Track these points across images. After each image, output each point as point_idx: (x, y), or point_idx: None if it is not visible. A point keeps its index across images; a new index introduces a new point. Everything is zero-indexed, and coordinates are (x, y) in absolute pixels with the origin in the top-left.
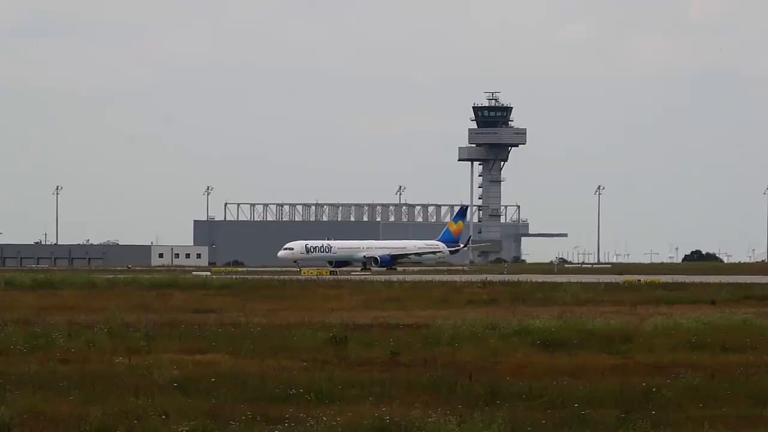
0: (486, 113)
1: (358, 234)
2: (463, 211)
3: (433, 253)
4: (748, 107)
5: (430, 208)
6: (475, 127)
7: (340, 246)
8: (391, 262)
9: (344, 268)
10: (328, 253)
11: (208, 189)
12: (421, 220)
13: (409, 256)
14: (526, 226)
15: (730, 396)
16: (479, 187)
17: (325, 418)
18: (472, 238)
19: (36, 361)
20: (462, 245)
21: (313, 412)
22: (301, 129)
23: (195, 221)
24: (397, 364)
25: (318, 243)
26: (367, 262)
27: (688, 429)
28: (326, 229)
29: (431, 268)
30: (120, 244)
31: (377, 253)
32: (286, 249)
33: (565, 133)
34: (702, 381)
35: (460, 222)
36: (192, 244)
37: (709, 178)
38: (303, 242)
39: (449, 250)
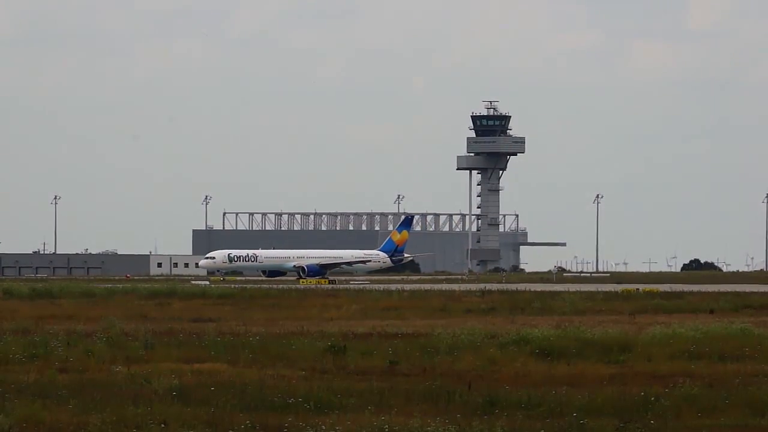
0: (484, 122)
1: (356, 243)
2: (408, 220)
3: (363, 263)
4: (747, 115)
5: (429, 217)
6: (474, 136)
7: (268, 255)
8: (321, 271)
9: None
10: (255, 263)
11: (206, 198)
12: (420, 229)
13: (341, 266)
14: (525, 235)
15: (728, 405)
16: (478, 196)
17: (324, 427)
18: (404, 251)
19: (35, 370)
20: (406, 255)
21: (312, 421)
22: (300, 138)
23: (194, 230)
24: (395, 373)
25: (242, 252)
26: (298, 272)
27: None
28: (325, 239)
29: (429, 276)
30: (118, 253)
31: (307, 263)
32: (207, 258)
33: (563, 142)
34: (700, 390)
35: (404, 231)
36: (191, 253)
37: (707, 187)
38: (225, 251)
39: (391, 260)
